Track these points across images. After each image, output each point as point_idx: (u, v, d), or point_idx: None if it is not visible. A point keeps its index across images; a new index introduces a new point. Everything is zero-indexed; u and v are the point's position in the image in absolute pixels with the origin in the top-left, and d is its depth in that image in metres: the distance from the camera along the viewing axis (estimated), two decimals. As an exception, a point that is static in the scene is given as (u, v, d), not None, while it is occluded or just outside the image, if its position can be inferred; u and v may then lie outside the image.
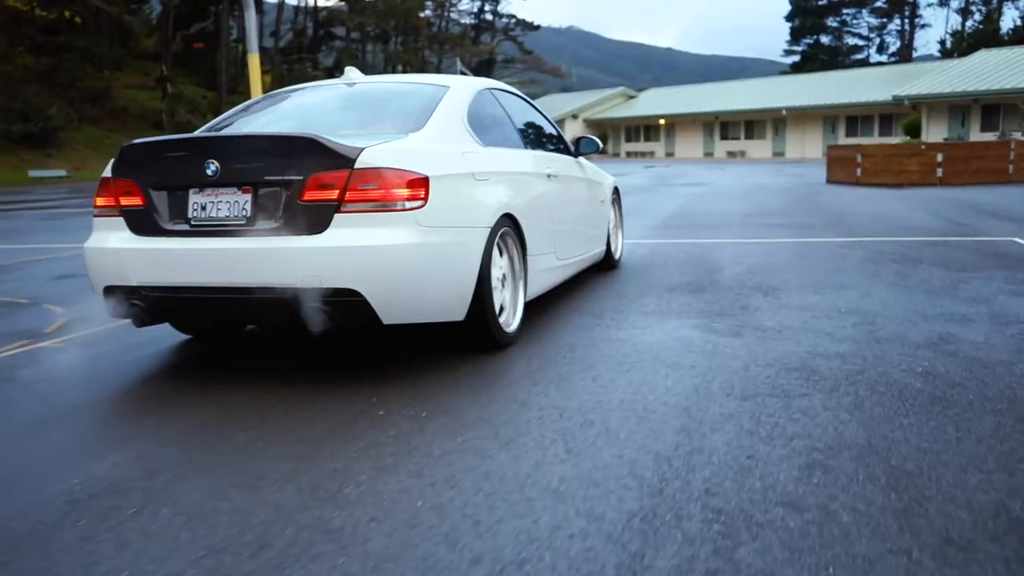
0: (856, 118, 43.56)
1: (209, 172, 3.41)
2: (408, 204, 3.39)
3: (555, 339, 4.16)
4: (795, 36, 75.86)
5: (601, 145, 5.99)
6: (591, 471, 2.41)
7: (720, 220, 10.21)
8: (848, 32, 74.76)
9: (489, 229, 3.83)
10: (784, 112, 45.85)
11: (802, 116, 46.04)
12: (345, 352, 4.03)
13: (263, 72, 54.43)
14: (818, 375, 3.33)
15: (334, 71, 62.89)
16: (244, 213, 3.43)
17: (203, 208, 3.50)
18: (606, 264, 6.33)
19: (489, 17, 76.74)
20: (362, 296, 3.31)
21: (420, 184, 3.44)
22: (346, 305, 3.33)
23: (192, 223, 3.52)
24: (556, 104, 65.01)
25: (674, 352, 3.77)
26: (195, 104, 49.55)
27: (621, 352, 3.81)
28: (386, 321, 3.42)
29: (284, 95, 4.89)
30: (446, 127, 4.03)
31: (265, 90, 51.03)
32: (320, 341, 3.99)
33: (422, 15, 67.67)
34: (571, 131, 58.48)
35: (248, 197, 3.43)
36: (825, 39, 75.16)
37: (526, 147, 4.92)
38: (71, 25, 51.91)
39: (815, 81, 50.51)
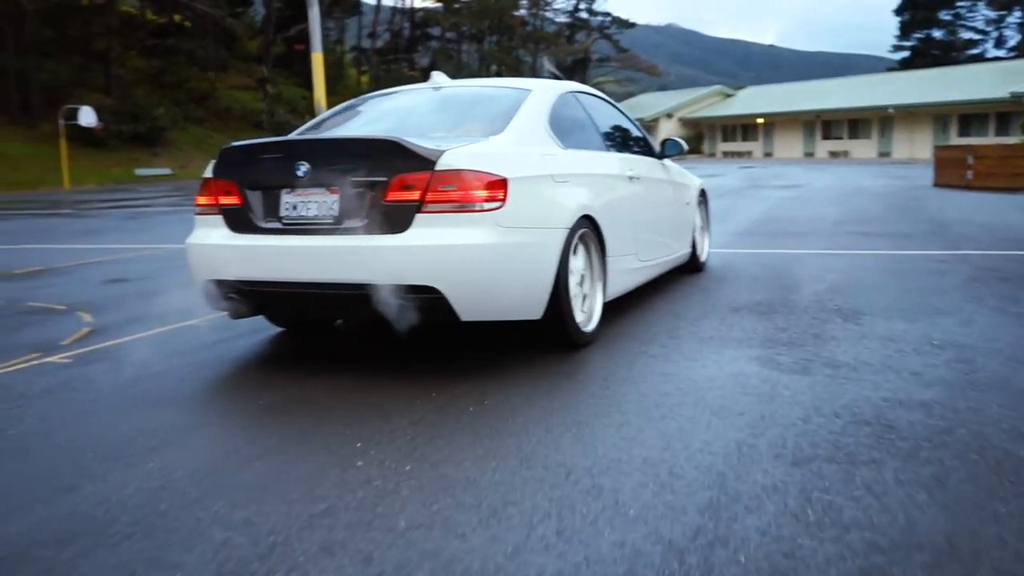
0: (969, 117, 40.94)
1: (300, 173, 3.59)
2: (487, 205, 3.48)
3: (589, 370, 3.65)
4: (904, 31, 72.19)
5: (686, 147, 5.92)
6: (577, 568, 1.91)
7: (808, 227, 9.43)
8: (962, 26, 70.69)
9: (567, 230, 3.88)
10: (891, 110, 43.56)
11: (911, 115, 43.65)
12: (359, 368, 3.63)
13: (360, 72, 55.07)
14: (895, 432, 2.72)
15: (429, 71, 62.94)
16: (332, 212, 3.59)
17: (294, 207, 3.68)
18: (691, 266, 6.32)
19: (584, 15, 75.97)
20: (441, 294, 3.41)
21: (499, 185, 3.53)
22: (425, 302, 3.43)
23: (284, 221, 3.70)
24: (650, 103, 63.87)
25: (723, 393, 3.21)
26: (294, 104, 50.71)
27: (661, 391, 3.27)
28: (464, 318, 3.51)
29: (374, 99, 5.09)
30: (527, 130, 4.11)
31: (363, 90, 51.77)
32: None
33: (516, 14, 67.49)
34: (665, 130, 57.24)
35: (336, 197, 3.58)
36: (937, 33, 71.27)
37: (608, 149, 4.97)
38: (180, 29, 53.96)
39: (925, 78, 47.85)
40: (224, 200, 3.87)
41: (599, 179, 4.48)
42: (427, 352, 4.09)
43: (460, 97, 4.95)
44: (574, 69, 74.93)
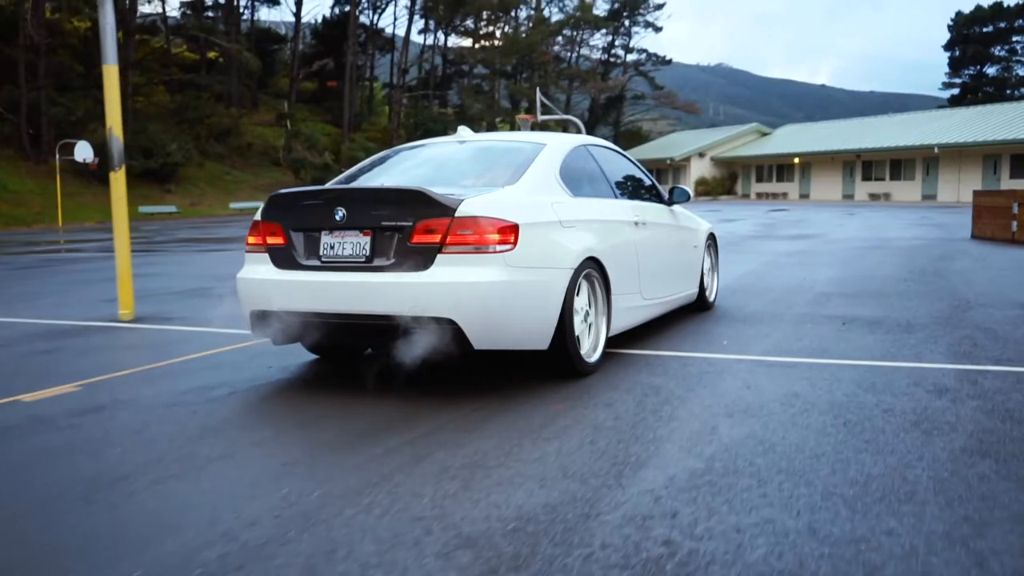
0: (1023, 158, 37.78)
1: (338, 217, 4.12)
2: (499, 247, 3.96)
3: None
4: (955, 67, 68.90)
5: (692, 194, 6.41)
6: None
7: (779, 304, 7.05)
8: (1018, 61, 67.21)
9: (572, 270, 4.32)
10: (936, 150, 40.52)
11: (958, 154, 40.54)
12: None
13: (391, 109, 53.96)
14: None
15: (460, 108, 62.13)
16: (364, 252, 4.11)
17: (332, 247, 4.20)
18: (699, 306, 6.73)
19: (620, 52, 74.13)
20: (457, 324, 3.87)
21: (510, 230, 4.00)
22: (443, 331, 3.90)
23: (323, 259, 4.23)
24: (682, 142, 61.54)
25: None
26: (312, 141, 49.44)
27: None
28: (476, 346, 3.96)
29: (406, 150, 5.55)
30: (539, 180, 4.61)
31: (394, 126, 50.41)
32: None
33: (548, 50, 65.91)
34: (696, 170, 54.85)
35: (368, 239, 4.11)
36: (991, 70, 67.89)
37: (616, 197, 5.39)
38: (211, 65, 53.39)
39: (975, 115, 44.66)
40: (271, 240, 4.36)
41: (605, 224, 4.87)
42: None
43: (482, 150, 5.37)
44: (608, 107, 73.08)
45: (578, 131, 29.58)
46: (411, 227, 3.95)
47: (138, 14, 47.10)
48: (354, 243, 4.12)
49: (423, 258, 3.93)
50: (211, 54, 52.89)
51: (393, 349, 4.07)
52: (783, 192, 51.73)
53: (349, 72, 53.80)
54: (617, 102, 72.44)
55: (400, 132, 57.15)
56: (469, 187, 4.46)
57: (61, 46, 46.18)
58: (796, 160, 50.41)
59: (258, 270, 4.43)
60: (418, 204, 3.95)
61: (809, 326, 5.93)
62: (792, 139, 54.15)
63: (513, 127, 65.17)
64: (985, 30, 66.24)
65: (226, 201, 44.02)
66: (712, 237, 7.01)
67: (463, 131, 5.61)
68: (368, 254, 4.08)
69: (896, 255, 11.73)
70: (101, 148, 38.38)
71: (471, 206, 3.96)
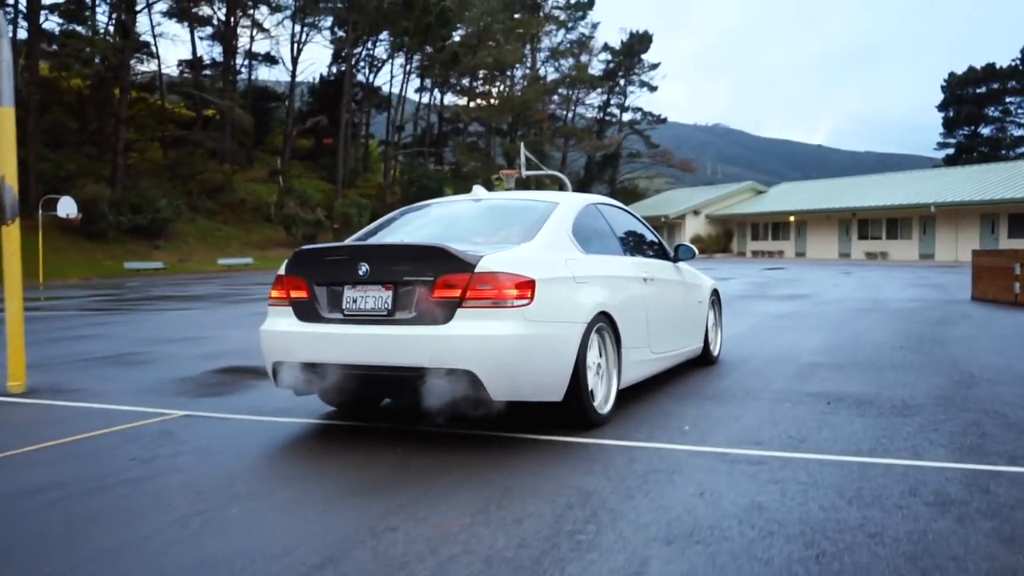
0: (1022, 217, 37.20)
1: (361, 273, 4.27)
2: (517, 302, 4.07)
3: None
4: (949, 127, 68.95)
5: (696, 252, 6.50)
6: None
7: (758, 377, 6.22)
8: (1012, 122, 67.31)
9: (586, 324, 4.44)
10: (933, 208, 40.00)
11: (955, 213, 40.01)
12: None
13: (386, 166, 53.77)
14: None
15: (455, 166, 61.84)
16: (386, 306, 4.23)
17: (354, 301, 4.32)
18: (703, 360, 6.79)
19: (616, 111, 74.34)
20: (476, 376, 3.97)
21: (527, 286, 4.12)
22: (463, 383, 4.00)
23: (345, 313, 4.35)
24: (678, 199, 61.22)
25: None
26: (304, 197, 49.02)
27: None
28: (495, 397, 4.05)
29: (426, 207, 5.80)
30: (553, 238, 4.75)
31: (386, 183, 49.95)
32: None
33: (543, 109, 66.04)
34: (691, 228, 54.38)
35: (390, 293, 4.23)
36: (985, 130, 67.92)
37: (625, 254, 5.58)
38: (207, 122, 53.31)
39: (971, 174, 44.28)
40: (294, 294, 4.54)
41: (615, 280, 5.06)
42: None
43: (497, 208, 5.53)
44: (604, 165, 72.97)
45: (564, 188, 29.17)
46: (432, 282, 4.09)
47: (132, 71, 46.97)
48: (376, 297, 4.26)
49: (444, 312, 4.06)
50: (208, 111, 52.86)
51: (413, 400, 4.19)
52: (779, 250, 51.14)
53: (343, 129, 53.73)
54: (613, 160, 72.48)
55: (395, 189, 56.88)
56: (485, 244, 4.58)
57: (57, 103, 46.14)
58: (792, 218, 49.93)
59: (281, 323, 4.57)
60: (439, 260, 4.09)
61: (788, 406, 5.07)
62: (787, 197, 53.77)
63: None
64: (978, 91, 66.44)
65: (215, 257, 43.38)
66: (716, 293, 7.25)
67: (478, 190, 5.77)
68: (390, 308, 4.21)
69: (892, 319, 10.90)
70: (90, 204, 38.09)
71: (490, 262, 4.10)
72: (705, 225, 55.62)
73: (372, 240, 5.14)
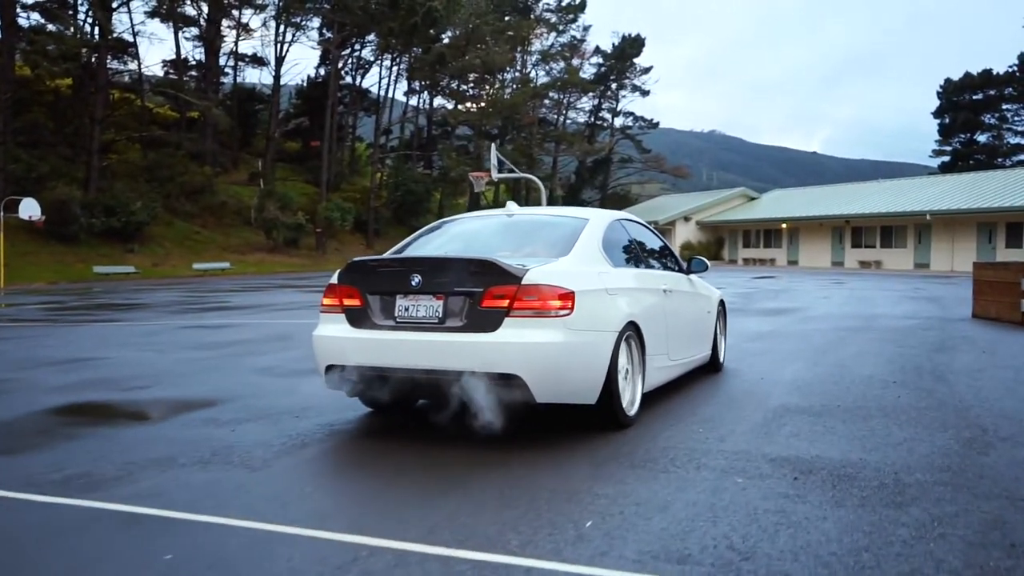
0: (1021, 226, 35.99)
1: (414, 283, 4.58)
2: (560, 312, 4.41)
3: None
4: (945, 134, 67.88)
5: (709, 266, 7.00)
6: None
7: (711, 428, 4.93)
8: (1009, 129, 66.24)
9: (617, 332, 4.81)
10: (928, 217, 38.82)
11: (951, 221, 38.79)
12: None
13: (374, 170, 52.71)
14: None
15: (441, 170, 60.33)
16: (437, 314, 4.54)
17: (406, 309, 4.63)
18: (712, 367, 7.25)
19: (607, 116, 73.10)
20: (523, 379, 4.31)
21: (568, 297, 4.47)
22: (510, 386, 4.34)
23: (397, 320, 4.66)
24: (668, 205, 60.07)
25: None
26: (285, 201, 47.71)
27: None
28: (538, 400, 4.40)
29: (461, 220, 6.21)
30: (586, 252, 5.11)
31: (371, 186, 48.75)
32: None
33: (532, 112, 64.77)
34: (682, 234, 53.19)
35: (441, 303, 4.55)
36: (981, 137, 66.85)
37: (647, 267, 6.00)
38: (191, 123, 51.93)
39: (968, 182, 43.08)
40: (347, 302, 4.82)
41: (640, 292, 5.41)
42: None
43: (530, 223, 5.95)
44: (595, 170, 71.66)
45: (538, 191, 27.78)
46: (481, 293, 4.40)
47: (109, 71, 45.62)
48: (428, 306, 4.55)
49: (492, 320, 4.36)
50: (192, 113, 51.49)
51: (460, 402, 4.47)
52: (771, 258, 49.92)
53: (328, 132, 52.41)
54: (604, 165, 71.29)
55: (382, 193, 55.67)
56: (523, 257, 4.88)
57: (37, 103, 44.78)
58: (784, 225, 48.73)
59: (334, 328, 4.85)
60: (488, 272, 4.41)
61: (740, 483, 3.78)
62: (780, 204, 52.59)
63: (497, 191, 63.87)
64: (975, 97, 65.41)
65: (192, 261, 42.05)
66: (722, 303, 7.63)
67: (511, 205, 6.09)
68: (441, 316, 4.51)
69: (884, 342, 9.64)
70: (60, 206, 36.76)
71: (535, 275, 4.44)
72: (696, 232, 54.42)
73: (411, 251, 5.51)
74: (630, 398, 5.03)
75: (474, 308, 4.41)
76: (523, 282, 4.37)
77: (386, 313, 4.68)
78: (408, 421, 5.30)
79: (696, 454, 4.31)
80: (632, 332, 5.03)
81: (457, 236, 5.77)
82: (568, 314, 4.41)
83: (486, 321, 4.37)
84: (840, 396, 6.02)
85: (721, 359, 7.45)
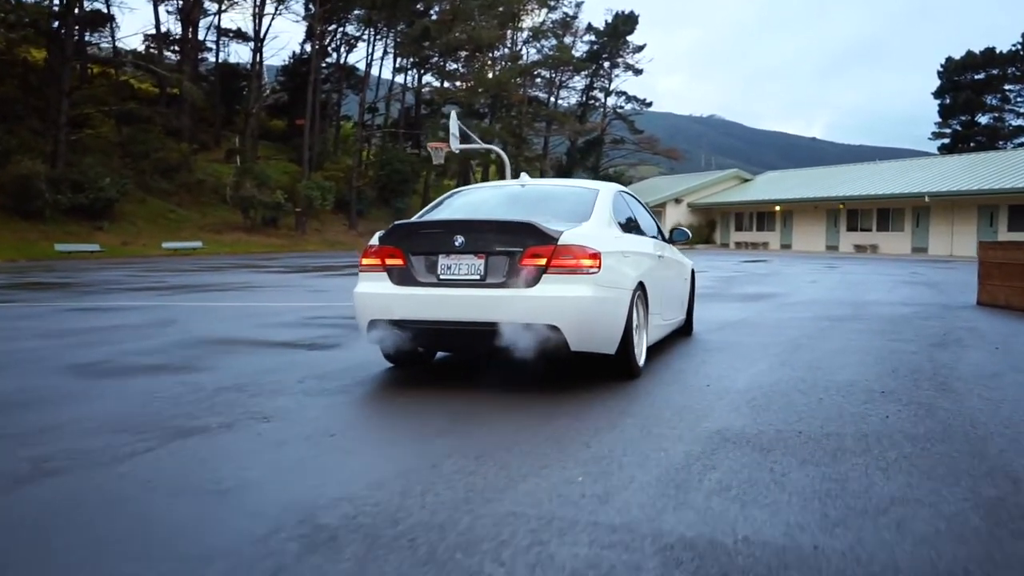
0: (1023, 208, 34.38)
1: (457, 244, 4.96)
2: (590, 270, 4.89)
3: None
4: (945, 115, 66.06)
5: (690, 235, 7.70)
6: None
7: (603, 470, 3.35)
8: (1011, 111, 64.45)
9: (631, 291, 5.36)
10: (927, 199, 37.19)
11: (950, 204, 37.18)
12: None
13: (360, 147, 50.92)
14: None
15: (426, 147, 58.39)
16: (480, 272, 4.96)
17: (449, 268, 5.02)
18: (687, 331, 7.92)
19: (599, 95, 71.14)
20: (560, 329, 4.78)
21: (597, 257, 4.94)
22: (549, 336, 4.77)
23: (440, 278, 5.04)
24: (660, 186, 58.37)
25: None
26: (263, 179, 45.97)
27: None
28: (573, 348, 4.88)
29: (477, 189, 6.80)
30: (602, 218, 5.59)
31: (354, 164, 47.10)
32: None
33: (521, 91, 62.84)
34: (672, 216, 51.56)
35: (482, 261, 4.96)
36: (982, 119, 65.05)
37: (645, 235, 6.56)
38: (171, 99, 50.06)
39: (968, 163, 41.44)
40: (390, 261, 5.19)
41: (645, 256, 5.99)
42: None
43: (545, 192, 6.60)
44: (587, 150, 69.83)
45: (501, 161, 26.21)
46: (521, 252, 4.86)
47: (78, 42, 43.73)
48: (470, 265, 4.97)
49: (531, 277, 4.84)
50: (173, 89, 49.54)
51: (497, 350, 4.90)
52: (763, 242, 48.32)
53: (312, 109, 50.56)
54: (596, 146, 69.50)
55: (368, 172, 54.01)
56: (547, 222, 5.04)
57: (9, 75, 42.95)
58: (777, 208, 47.09)
59: (376, 286, 5.22)
60: (528, 234, 4.87)
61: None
62: (774, 186, 50.92)
63: (487, 169, 62.12)
64: (976, 77, 63.58)
65: (163, 240, 40.30)
66: (692, 273, 8.24)
67: (524, 177, 6.77)
68: (483, 273, 4.95)
69: (873, 334, 8.06)
70: (24, 181, 35.10)
71: (570, 236, 4.93)
72: (687, 214, 52.75)
73: (430, 216, 5.85)
74: (639, 351, 5.55)
75: (514, 266, 4.85)
76: (559, 243, 4.83)
77: (429, 272, 5.06)
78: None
79: (554, 523, 2.68)
80: (640, 292, 5.58)
81: (479, 203, 6.24)
82: (597, 272, 4.90)
83: (525, 278, 4.82)
84: (805, 415, 4.43)
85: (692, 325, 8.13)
